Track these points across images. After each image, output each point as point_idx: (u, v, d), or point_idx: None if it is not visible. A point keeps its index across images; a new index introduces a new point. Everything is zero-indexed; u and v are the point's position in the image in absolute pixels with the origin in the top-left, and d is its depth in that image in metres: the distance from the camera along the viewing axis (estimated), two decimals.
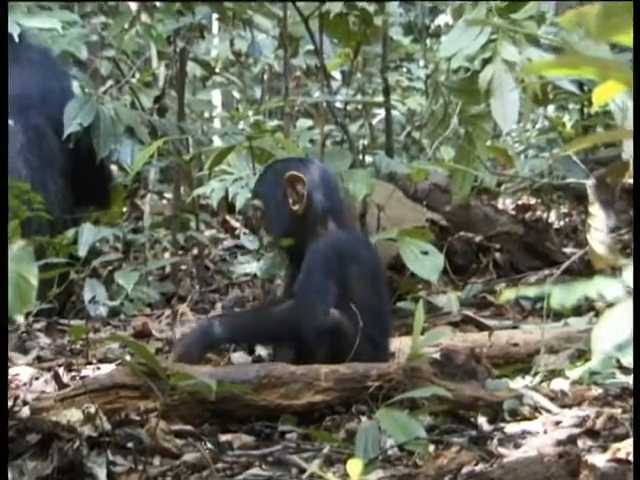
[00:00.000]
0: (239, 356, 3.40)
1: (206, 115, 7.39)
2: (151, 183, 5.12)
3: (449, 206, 4.38)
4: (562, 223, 5.55)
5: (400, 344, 2.87)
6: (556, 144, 6.06)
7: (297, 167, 2.99)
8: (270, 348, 3.14)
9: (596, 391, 2.61)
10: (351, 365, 2.65)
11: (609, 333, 1.47)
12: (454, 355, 2.65)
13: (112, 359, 3.19)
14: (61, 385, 2.74)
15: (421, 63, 6.79)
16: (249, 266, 3.24)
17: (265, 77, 7.58)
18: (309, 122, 6.70)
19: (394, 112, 5.54)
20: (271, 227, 3.02)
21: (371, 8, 4.21)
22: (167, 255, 4.89)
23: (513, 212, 5.53)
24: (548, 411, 2.54)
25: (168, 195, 5.24)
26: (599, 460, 2.03)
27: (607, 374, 2.63)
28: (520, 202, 6.11)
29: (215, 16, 5.21)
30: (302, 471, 2.23)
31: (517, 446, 2.30)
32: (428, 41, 6.64)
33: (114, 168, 4.60)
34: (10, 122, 3.48)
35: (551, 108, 6.49)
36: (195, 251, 4.96)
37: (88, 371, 3.00)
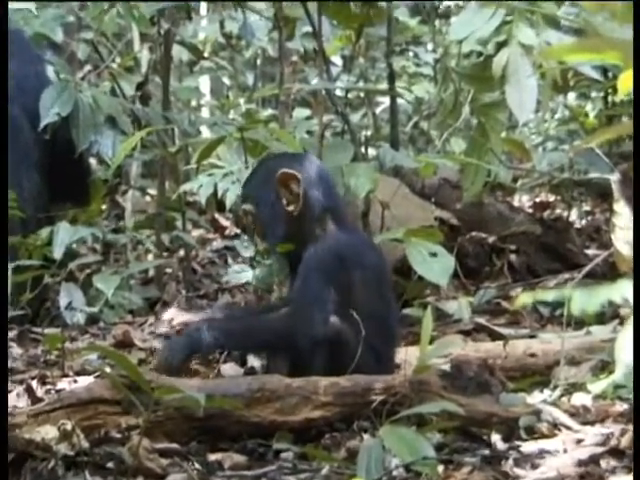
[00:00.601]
0: (230, 367, 3.41)
1: (193, 104, 7.41)
2: (133, 178, 5.11)
3: (460, 203, 4.38)
4: (584, 222, 5.57)
5: (406, 354, 2.86)
6: (577, 136, 6.07)
7: (289, 164, 2.99)
8: (264, 358, 3.14)
9: (621, 406, 2.61)
10: (353, 377, 2.66)
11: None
12: (465, 367, 2.66)
13: (90, 371, 3.17)
14: (35, 399, 2.74)
15: (429, 47, 6.82)
16: (244, 275, 3.23)
17: (258, 62, 7.57)
18: (306, 111, 6.70)
19: (400, 101, 5.51)
20: (266, 233, 3.02)
21: None
22: (150, 257, 4.87)
23: (530, 210, 5.54)
24: (568, 428, 2.54)
25: (152, 191, 5.24)
26: None
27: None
28: (538, 199, 6.11)
29: None
30: None
31: (534, 467, 2.30)
32: (437, 23, 6.65)
33: (93, 161, 4.62)
34: None
35: (572, 96, 6.50)
36: (181, 253, 4.95)
37: (64, 384, 2.98)
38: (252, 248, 3.16)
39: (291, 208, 2.95)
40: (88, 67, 5.61)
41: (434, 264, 3.20)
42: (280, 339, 2.83)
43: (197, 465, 2.42)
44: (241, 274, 3.32)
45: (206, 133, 5.82)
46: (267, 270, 3.25)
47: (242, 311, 3.29)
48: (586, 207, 5.87)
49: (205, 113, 7.26)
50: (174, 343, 2.94)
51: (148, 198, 5.58)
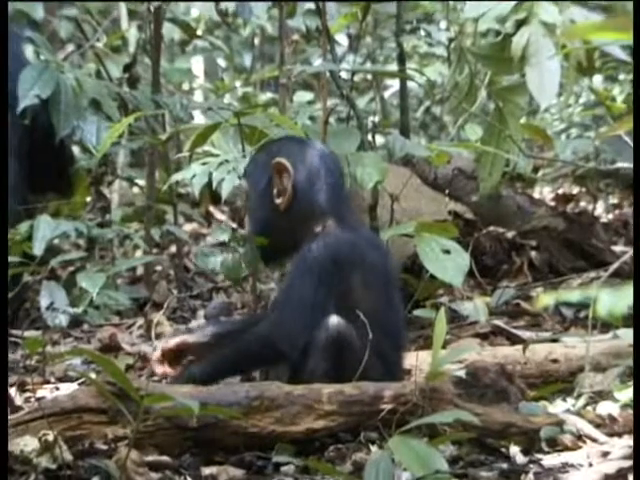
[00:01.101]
0: None
1: (185, 87, 7.44)
2: (120, 168, 5.12)
3: (476, 196, 4.38)
4: (611, 216, 5.56)
5: (418, 360, 2.88)
6: (603, 122, 6.07)
7: (292, 152, 3.01)
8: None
9: None
10: (359, 385, 2.66)
11: None
12: (482, 373, 2.67)
13: (74, 377, 3.20)
14: (14, 408, 2.74)
15: (443, 25, 6.78)
16: (212, 260, 3.19)
17: (256, 42, 7.63)
18: (309, 95, 6.73)
19: (410, 84, 5.50)
20: (251, 218, 3.06)
21: None
22: (139, 254, 4.86)
23: (552, 203, 5.55)
24: (594, 440, 2.55)
25: (140, 182, 5.22)
26: None
27: None
28: (561, 191, 6.12)
29: None
30: None
31: None
32: None
33: (76, 149, 4.63)
34: None
35: (598, 79, 6.49)
36: (173, 249, 4.94)
37: (45, 391, 3.01)
38: (228, 232, 3.15)
39: (279, 201, 2.98)
40: (71, 47, 5.62)
41: (447, 262, 3.18)
42: (265, 353, 2.83)
43: (190, 479, 2.42)
44: (208, 258, 3.27)
45: (199, 119, 5.82)
46: (237, 260, 3.22)
47: (231, 324, 3.30)
48: (613, 200, 5.87)
49: (198, 97, 7.26)
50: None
51: (136, 189, 5.57)
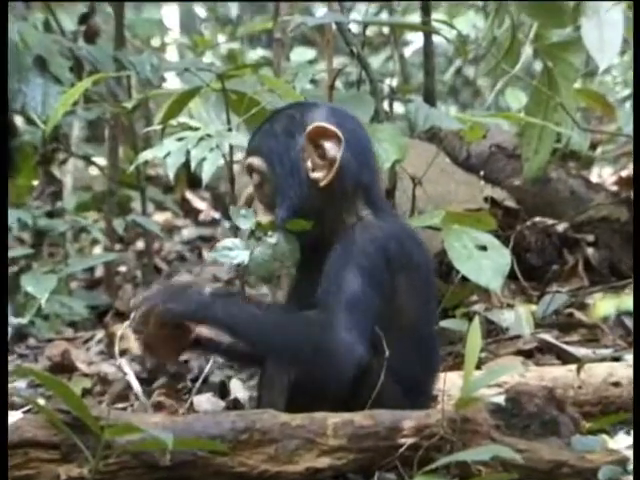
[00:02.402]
0: (206, 400, 3.51)
1: (156, 42, 7.38)
2: (75, 143, 5.07)
3: (519, 179, 4.40)
4: None
5: (446, 383, 2.85)
6: None
7: (324, 116, 2.99)
8: (252, 387, 3.19)
9: None
10: (372, 413, 2.65)
11: None
12: (526, 399, 2.65)
13: (18, 404, 3.19)
14: None
15: None
16: (239, 254, 3.14)
17: None
18: (310, 53, 6.69)
19: (436, 38, 5.47)
20: (276, 202, 3.00)
21: None
22: (98, 250, 4.88)
23: (614, 188, 5.53)
24: None
25: (100, 161, 5.20)
26: None
27: None
28: (624, 173, 6.10)
29: None
30: None
31: None
32: None
33: (19, 120, 4.67)
34: None
35: None
36: (140, 245, 4.97)
37: None
38: (252, 219, 3.11)
39: (318, 175, 2.95)
40: None
41: (483, 261, 3.19)
42: (304, 348, 2.77)
43: None
44: (233, 252, 3.21)
45: (174, 82, 5.80)
46: (269, 253, 3.17)
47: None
48: None
49: (172, 55, 7.23)
50: (173, 291, 2.91)
51: (95, 170, 5.49)
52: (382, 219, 2.96)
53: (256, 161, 3.01)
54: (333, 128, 2.93)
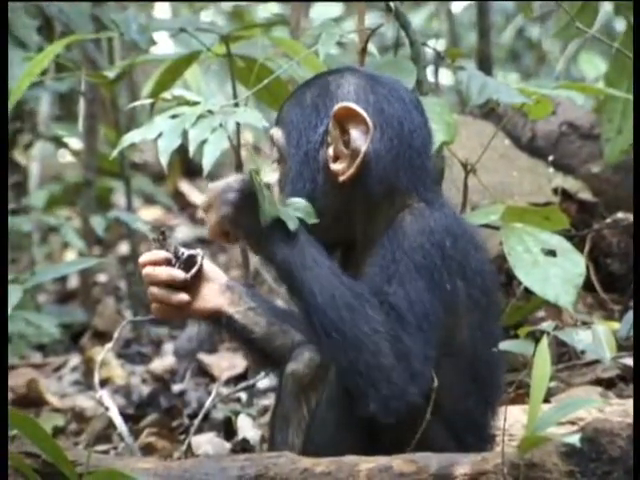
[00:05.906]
0: (207, 441, 3.49)
1: None
2: (43, 122, 5.10)
3: (597, 165, 4.39)
4: None
5: (507, 419, 2.85)
6: None
7: (361, 92, 2.87)
8: (262, 425, 3.29)
9: None
10: (416, 457, 2.65)
11: None
12: (606, 440, 2.61)
13: None
14: None
15: None
16: None
17: None
18: (336, 8, 6.84)
19: None
20: (289, 185, 2.92)
21: None
22: (72, 256, 4.88)
23: None
24: None
25: (74, 144, 5.20)
26: None
27: None
28: None
29: None
30: None
31: None
32: None
33: None
34: None
35: None
36: (124, 248, 4.98)
37: None
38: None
39: (338, 168, 2.86)
40: None
41: (551, 269, 3.13)
42: (367, 350, 2.69)
43: None
44: None
45: (166, 46, 5.75)
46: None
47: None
48: None
49: (164, 12, 7.27)
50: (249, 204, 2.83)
51: (67, 156, 5.58)
52: (439, 213, 2.87)
53: (277, 133, 2.96)
54: (362, 112, 2.83)
